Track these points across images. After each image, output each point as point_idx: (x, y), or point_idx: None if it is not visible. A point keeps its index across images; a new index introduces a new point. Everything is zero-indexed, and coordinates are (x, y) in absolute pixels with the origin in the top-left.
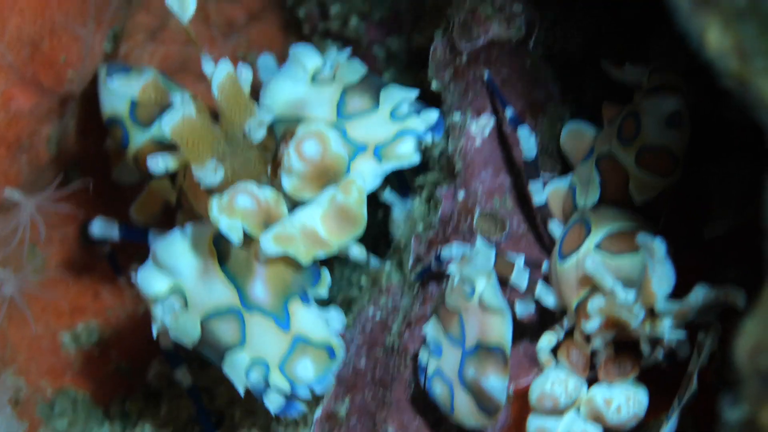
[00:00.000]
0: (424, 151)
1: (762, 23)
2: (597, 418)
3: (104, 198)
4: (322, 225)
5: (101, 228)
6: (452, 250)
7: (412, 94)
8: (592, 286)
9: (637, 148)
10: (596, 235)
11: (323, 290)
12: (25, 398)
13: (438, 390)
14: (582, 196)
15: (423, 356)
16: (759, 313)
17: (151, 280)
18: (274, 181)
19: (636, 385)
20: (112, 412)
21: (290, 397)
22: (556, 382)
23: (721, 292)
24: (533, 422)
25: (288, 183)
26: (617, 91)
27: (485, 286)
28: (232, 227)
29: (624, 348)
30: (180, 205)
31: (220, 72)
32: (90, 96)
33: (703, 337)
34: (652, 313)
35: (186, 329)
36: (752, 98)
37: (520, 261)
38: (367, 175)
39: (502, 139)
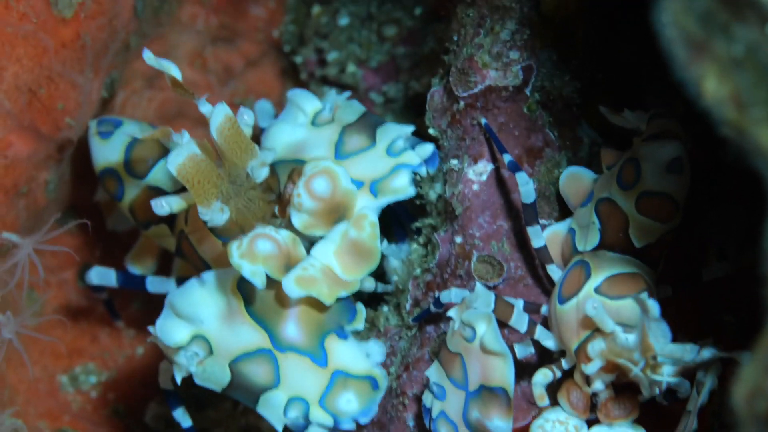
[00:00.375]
0: (423, 196)
1: (759, 73)
2: None
3: (102, 241)
4: (337, 262)
5: (99, 276)
6: (451, 294)
7: (408, 129)
8: (592, 329)
9: (637, 194)
10: (596, 279)
11: (360, 325)
12: None
13: (443, 431)
14: (581, 240)
15: (426, 399)
16: (756, 359)
17: (172, 330)
18: (282, 220)
19: (635, 427)
20: None
21: (334, 430)
22: (556, 422)
23: (724, 353)
24: None
25: (298, 221)
26: (614, 136)
27: (486, 330)
28: (255, 273)
29: (624, 389)
30: (180, 252)
31: (218, 114)
32: (87, 142)
33: (702, 376)
34: (652, 359)
35: (214, 374)
36: (749, 147)
37: (519, 304)
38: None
39: (500, 184)
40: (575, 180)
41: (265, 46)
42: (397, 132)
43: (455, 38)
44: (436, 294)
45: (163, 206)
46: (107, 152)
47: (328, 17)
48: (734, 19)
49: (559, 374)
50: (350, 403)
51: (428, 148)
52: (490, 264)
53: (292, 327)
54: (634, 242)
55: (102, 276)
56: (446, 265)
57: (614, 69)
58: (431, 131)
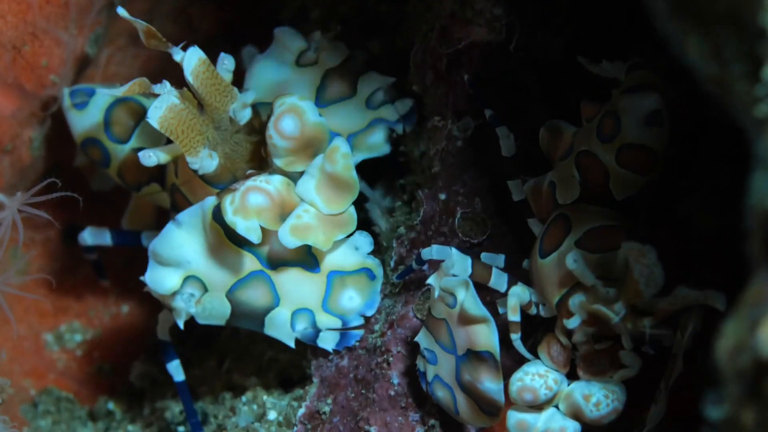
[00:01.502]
0: (406, 154)
1: (740, 29)
2: (576, 413)
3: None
4: (319, 197)
5: (93, 236)
6: (432, 251)
7: (389, 80)
8: (573, 283)
9: (618, 147)
10: (577, 233)
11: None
12: (8, 398)
13: (440, 394)
14: (562, 193)
15: (420, 364)
16: (739, 315)
17: (162, 279)
18: (269, 160)
19: (613, 383)
20: (95, 412)
21: (344, 330)
22: (536, 375)
23: (701, 295)
24: (513, 416)
25: (279, 161)
26: (599, 94)
27: (465, 296)
28: (249, 228)
29: (605, 343)
30: (175, 207)
31: (190, 58)
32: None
33: (685, 319)
34: (633, 311)
35: (215, 309)
36: (733, 102)
37: (499, 261)
38: None
39: (485, 140)
40: (555, 133)
41: (249, 4)
42: (378, 83)
43: None
44: (419, 251)
45: (150, 157)
46: (85, 122)
47: None
48: None
49: (533, 297)
50: (353, 300)
51: (407, 104)
52: (474, 221)
53: (277, 243)
54: (615, 195)
55: (96, 235)
56: (430, 222)
57: (599, 26)
58: (414, 88)
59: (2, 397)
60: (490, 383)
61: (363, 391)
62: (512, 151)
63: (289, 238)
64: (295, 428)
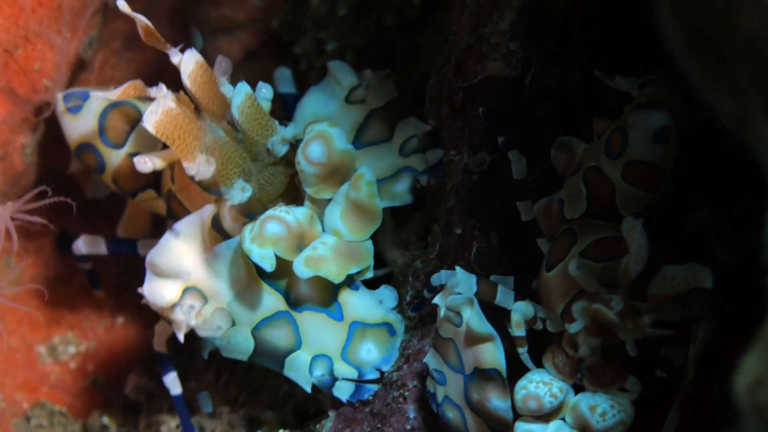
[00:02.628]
0: (422, 187)
1: (757, 63)
2: (583, 426)
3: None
4: (343, 224)
5: (87, 244)
6: (441, 276)
7: (425, 128)
8: (576, 291)
9: (624, 163)
10: (582, 244)
11: (369, 273)
12: (0, 412)
13: (450, 415)
14: (569, 209)
15: (430, 385)
16: (758, 349)
17: (160, 291)
18: (301, 189)
19: (622, 395)
20: (89, 427)
21: (359, 382)
22: (540, 383)
23: (688, 272)
24: (520, 428)
25: (308, 189)
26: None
27: (470, 314)
28: (264, 257)
29: (611, 356)
30: (171, 214)
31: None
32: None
33: (697, 330)
34: (634, 314)
35: (239, 343)
36: (751, 138)
37: (509, 283)
38: None
39: (500, 175)
40: (565, 149)
41: (265, 37)
42: (414, 129)
43: (454, 28)
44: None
45: (145, 163)
46: (80, 127)
47: (327, 7)
48: (734, 9)
49: (539, 313)
50: (371, 353)
51: (437, 155)
52: (491, 255)
53: (304, 285)
54: (621, 211)
55: (90, 244)
56: (446, 256)
57: (614, 59)
58: (430, 121)
59: None
60: (497, 401)
61: (379, 426)
62: (523, 174)
63: (303, 268)
64: None
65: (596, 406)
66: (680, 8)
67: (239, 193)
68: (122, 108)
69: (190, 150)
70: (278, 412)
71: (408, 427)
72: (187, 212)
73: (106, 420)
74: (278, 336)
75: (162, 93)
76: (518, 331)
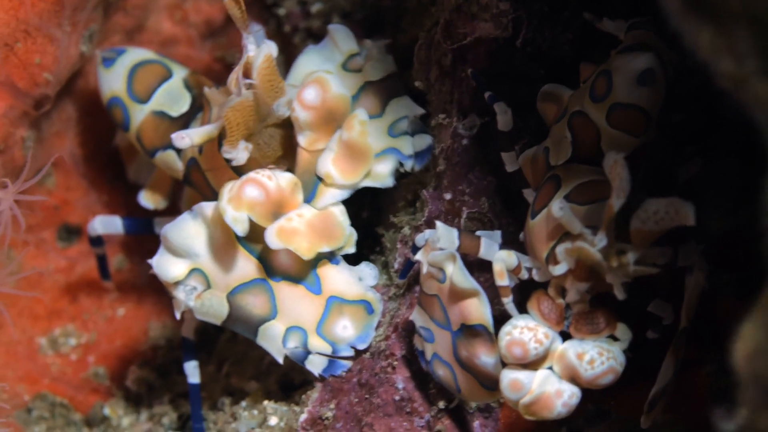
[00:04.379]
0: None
1: (755, 24)
2: (572, 375)
3: (82, 199)
4: (334, 168)
5: (104, 225)
6: (425, 236)
7: (417, 111)
8: (561, 234)
9: (609, 106)
10: (566, 189)
11: (351, 248)
12: (2, 404)
13: (440, 372)
14: (554, 155)
15: (417, 343)
16: (757, 317)
17: (168, 266)
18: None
19: (611, 342)
20: (90, 418)
21: (333, 357)
22: (525, 328)
23: (671, 206)
24: (506, 376)
25: (303, 139)
26: None
27: (453, 270)
28: (237, 219)
29: (599, 305)
30: (189, 181)
31: (260, 55)
32: (65, 98)
33: (690, 279)
34: (619, 254)
35: (213, 307)
36: (747, 99)
37: (496, 237)
38: (336, 190)
39: (491, 139)
40: (551, 96)
41: None
42: (406, 110)
43: None
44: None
45: (183, 138)
46: (111, 80)
47: None
48: None
49: (523, 262)
50: (346, 330)
51: (424, 141)
52: (480, 221)
53: (284, 256)
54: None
55: (107, 224)
56: (435, 222)
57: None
58: (417, 84)
59: None
60: (486, 357)
61: (367, 396)
62: (509, 126)
63: (273, 238)
64: None
65: (584, 353)
66: None
67: (243, 153)
68: (152, 65)
69: (238, 138)
70: (263, 382)
71: (396, 397)
72: (209, 188)
73: (107, 411)
74: (253, 303)
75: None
76: (501, 280)
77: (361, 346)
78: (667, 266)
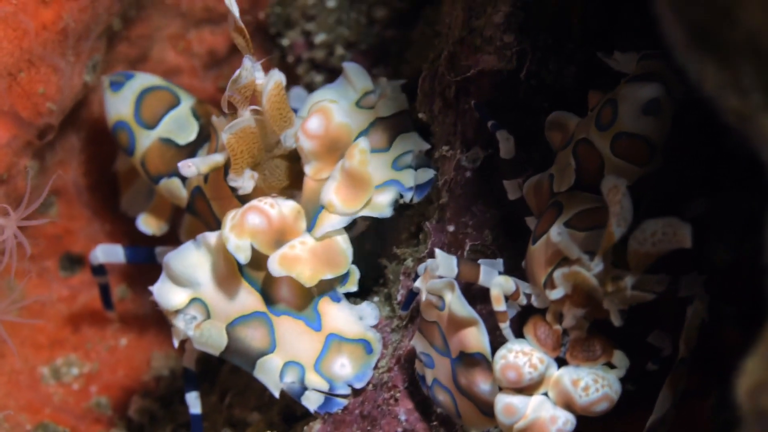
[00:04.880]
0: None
1: (759, 59)
2: (567, 402)
3: (85, 228)
4: (336, 197)
5: (106, 253)
6: (425, 264)
7: (423, 147)
8: (559, 259)
9: (613, 135)
10: (567, 215)
11: (353, 287)
12: None
13: (441, 398)
14: (558, 182)
15: (418, 368)
16: (760, 352)
17: (169, 294)
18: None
19: (607, 369)
20: None
21: (329, 394)
22: (519, 353)
23: (667, 226)
24: (501, 400)
25: (308, 168)
26: None
27: (451, 298)
28: (239, 247)
29: (597, 331)
30: (192, 209)
31: (271, 81)
32: (68, 127)
33: (691, 311)
34: (614, 277)
35: (212, 338)
36: (752, 134)
37: (498, 266)
38: (335, 218)
39: (494, 171)
40: (558, 124)
41: (251, 29)
42: (412, 145)
43: (447, 21)
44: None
45: (190, 167)
46: (118, 105)
47: None
48: (736, 4)
49: (522, 288)
50: (344, 368)
51: (427, 175)
52: (483, 253)
53: (285, 290)
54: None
55: (109, 253)
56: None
57: (612, 53)
58: (421, 116)
59: None
60: (484, 384)
61: (369, 428)
62: (511, 153)
63: (276, 266)
64: None
65: (579, 380)
66: (681, 3)
67: (248, 181)
68: (161, 91)
69: (243, 166)
70: (265, 413)
71: (399, 429)
72: (213, 217)
73: None
74: (252, 336)
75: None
76: (498, 306)
77: (358, 385)
78: (667, 295)
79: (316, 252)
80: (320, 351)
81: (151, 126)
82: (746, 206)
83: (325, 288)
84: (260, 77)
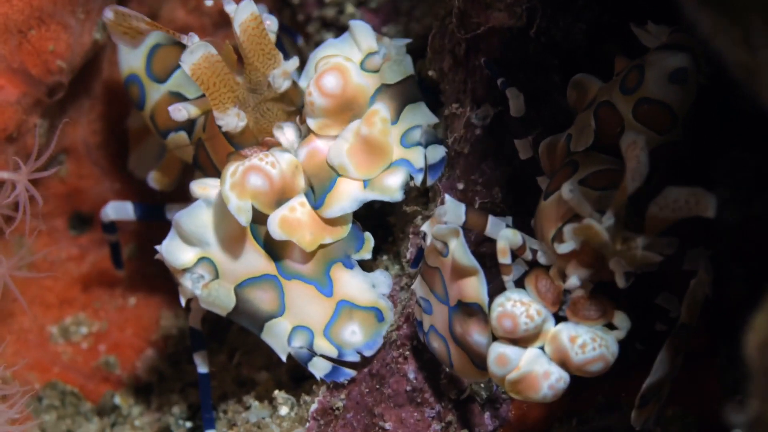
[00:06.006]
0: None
1: None
2: (562, 358)
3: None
4: (349, 161)
5: (116, 211)
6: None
7: (432, 120)
8: (571, 215)
9: (637, 99)
10: (582, 173)
11: (367, 254)
12: (12, 392)
13: (435, 345)
14: (575, 141)
15: (417, 313)
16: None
17: (177, 252)
18: (302, 126)
19: (606, 330)
20: (101, 407)
21: (337, 362)
22: (518, 302)
23: (692, 195)
24: (494, 349)
25: (313, 123)
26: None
27: (455, 245)
28: (241, 208)
29: (599, 293)
30: (197, 163)
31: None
32: (78, 86)
33: (694, 282)
34: (626, 240)
35: (219, 297)
36: (760, 89)
37: (508, 222)
38: (346, 198)
39: (504, 129)
40: (582, 85)
41: None
42: (421, 119)
43: None
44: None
45: (180, 110)
46: (131, 58)
47: None
48: None
49: (528, 243)
50: (355, 335)
51: (438, 153)
52: (493, 211)
53: (298, 255)
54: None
55: (119, 210)
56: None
57: (622, 10)
58: (431, 73)
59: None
60: (479, 336)
61: (378, 386)
62: (521, 111)
63: (276, 228)
64: (308, 424)
65: (576, 336)
66: None
67: (233, 119)
68: (174, 47)
69: (223, 100)
70: (273, 372)
71: (408, 388)
72: (211, 162)
73: (117, 400)
74: (262, 298)
75: (193, 41)
76: (503, 258)
77: (368, 353)
78: (672, 264)
79: (315, 215)
80: (330, 317)
81: (161, 80)
82: (755, 164)
83: (338, 254)
84: (230, 8)
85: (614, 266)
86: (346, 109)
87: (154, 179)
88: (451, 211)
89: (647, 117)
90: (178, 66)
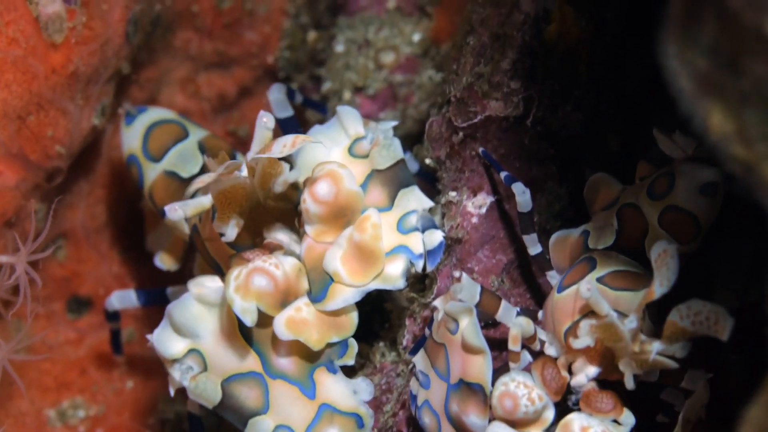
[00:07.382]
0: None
1: (765, 108)
2: None
3: (93, 271)
4: (343, 268)
5: (120, 300)
6: (451, 286)
7: (426, 204)
8: (586, 312)
9: (664, 206)
10: (600, 271)
11: (350, 360)
12: None
13: (427, 420)
14: (594, 239)
15: (414, 386)
16: (762, 401)
17: (168, 342)
18: (301, 230)
19: (616, 426)
20: None
21: None
22: (521, 384)
23: (713, 314)
24: (493, 430)
25: (310, 229)
26: (616, 169)
27: (467, 324)
28: (246, 310)
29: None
30: (193, 246)
31: (277, 148)
32: (77, 170)
33: (689, 403)
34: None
35: (206, 390)
36: (757, 183)
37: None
38: (348, 289)
39: (500, 217)
40: (601, 185)
41: (260, 72)
42: (416, 203)
43: (454, 66)
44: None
45: (176, 211)
46: (130, 138)
47: (324, 43)
48: (742, 53)
49: (540, 335)
50: None
51: (436, 238)
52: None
53: (284, 356)
54: (648, 253)
55: (123, 299)
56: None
57: (619, 100)
58: (428, 161)
59: None
60: (475, 417)
61: None
62: (528, 206)
63: (282, 329)
64: None
65: (589, 428)
66: (687, 52)
67: (233, 230)
68: (170, 125)
69: (229, 215)
70: None
71: None
72: (209, 255)
73: None
74: (247, 395)
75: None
76: (514, 346)
77: None
78: (671, 379)
79: (321, 314)
80: (312, 419)
81: (156, 159)
82: (752, 253)
83: (323, 358)
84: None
85: (624, 367)
86: (339, 216)
87: (160, 260)
88: (467, 289)
89: (672, 225)
90: (174, 144)
